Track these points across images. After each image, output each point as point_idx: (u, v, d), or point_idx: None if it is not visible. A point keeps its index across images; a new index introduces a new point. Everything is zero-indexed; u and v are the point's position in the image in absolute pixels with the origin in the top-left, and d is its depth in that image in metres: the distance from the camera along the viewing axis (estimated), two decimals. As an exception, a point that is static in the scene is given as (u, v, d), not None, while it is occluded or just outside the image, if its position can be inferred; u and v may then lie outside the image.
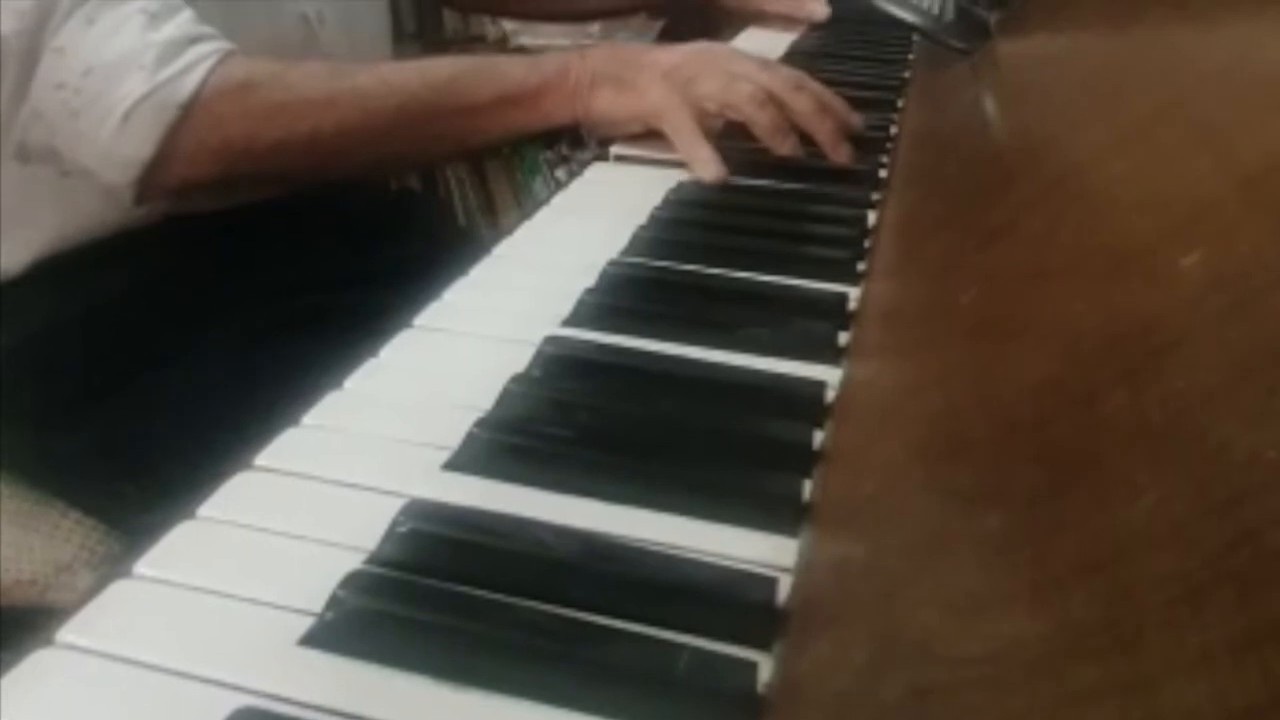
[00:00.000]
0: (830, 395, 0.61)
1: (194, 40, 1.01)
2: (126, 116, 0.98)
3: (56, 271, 1.05)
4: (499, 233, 0.87)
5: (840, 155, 1.02)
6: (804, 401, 0.61)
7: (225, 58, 1.01)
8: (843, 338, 0.67)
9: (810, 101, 1.04)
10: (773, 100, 1.03)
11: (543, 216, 0.91)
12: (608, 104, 1.06)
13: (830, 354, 0.65)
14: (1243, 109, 0.43)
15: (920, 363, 0.54)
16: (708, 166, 1.00)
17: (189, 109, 0.99)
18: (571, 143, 2.82)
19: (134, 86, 0.98)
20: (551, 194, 0.97)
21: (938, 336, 0.53)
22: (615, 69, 1.07)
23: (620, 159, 1.05)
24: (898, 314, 0.64)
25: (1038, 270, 0.48)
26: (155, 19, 1.00)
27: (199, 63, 0.99)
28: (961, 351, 0.49)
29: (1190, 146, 0.44)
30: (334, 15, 1.26)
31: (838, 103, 1.06)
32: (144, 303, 1.05)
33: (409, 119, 1.06)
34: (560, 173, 2.86)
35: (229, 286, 1.08)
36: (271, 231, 1.09)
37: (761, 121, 1.02)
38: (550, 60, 1.10)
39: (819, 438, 0.58)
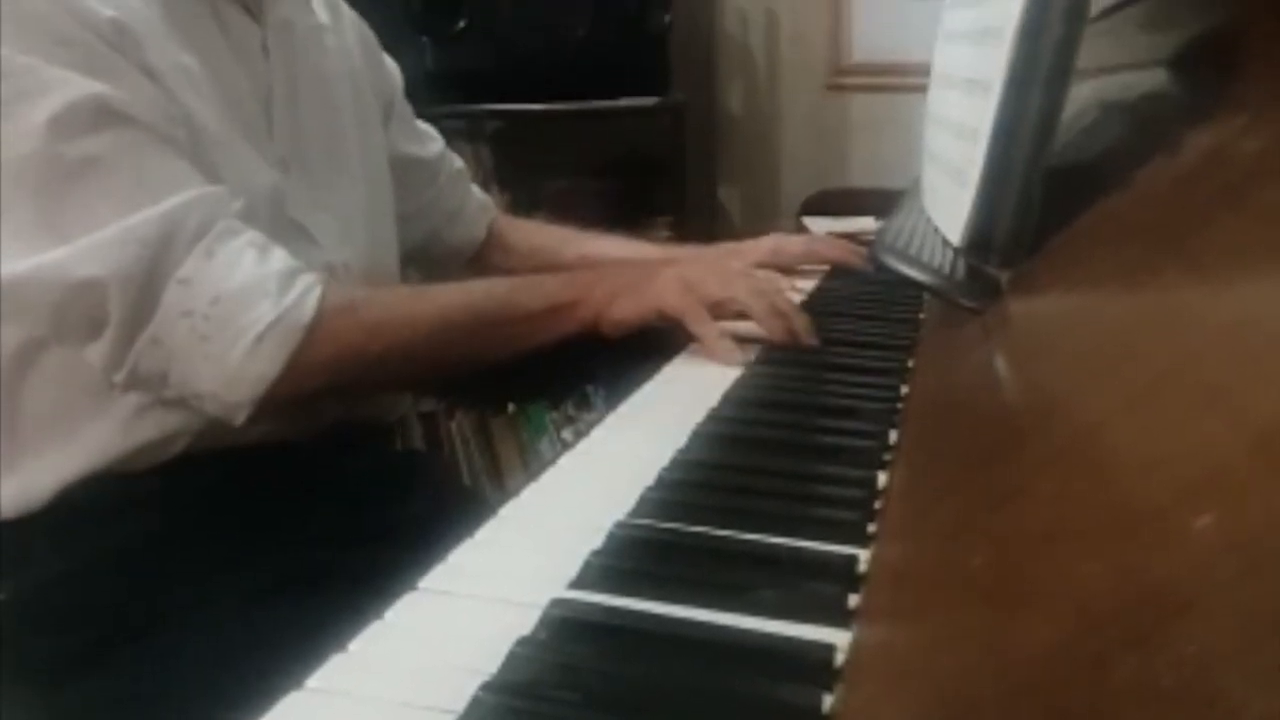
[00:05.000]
0: (840, 659, 0.60)
1: (298, 270, 1.11)
2: (260, 339, 1.06)
3: (64, 520, 1.06)
4: (505, 494, 0.87)
5: (814, 340, 1.23)
6: (813, 665, 0.60)
7: (328, 284, 1.12)
8: (853, 600, 0.66)
9: (788, 301, 1.27)
10: (766, 296, 1.24)
11: (549, 477, 0.91)
12: (624, 309, 1.24)
13: (840, 617, 0.64)
14: (1255, 370, 0.43)
15: (931, 626, 0.53)
16: (728, 355, 1.19)
17: (311, 331, 1.08)
18: (578, 403, 2.84)
19: (264, 312, 1.07)
20: (558, 454, 0.97)
21: (948, 600, 0.53)
22: (633, 281, 1.27)
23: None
24: (908, 576, 0.63)
25: (1049, 533, 0.48)
26: (264, 252, 1.10)
27: (311, 289, 1.10)
28: (972, 615, 0.49)
29: (1202, 408, 0.44)
30: (359, 264, 1.32)
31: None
32: (147, 559, 1.06)
33: (481, 326, 1.24)
34: (566, 433, 2.87)
35: (232, 544, 1.09)
36: (277, 490, 1.10)
37: (759, 310, 1.22)
38: (581, 277, 1.31)
39: (829, 702, 0.57)
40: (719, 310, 1.23)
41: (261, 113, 1.25)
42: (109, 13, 1.07)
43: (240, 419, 1.09)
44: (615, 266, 1.37)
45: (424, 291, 1.27)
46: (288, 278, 1.10)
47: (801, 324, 1.23)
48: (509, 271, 1.80)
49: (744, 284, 1.24)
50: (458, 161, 1.75)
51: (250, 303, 1.07)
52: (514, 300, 1.25)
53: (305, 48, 1.35)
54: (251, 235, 1.10)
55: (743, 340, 1.23)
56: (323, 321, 1.10)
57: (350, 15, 1.53)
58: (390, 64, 1.61)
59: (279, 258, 1.11)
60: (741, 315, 1.24)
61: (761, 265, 1.71)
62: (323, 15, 1.42)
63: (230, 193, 1.12)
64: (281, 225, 1.22)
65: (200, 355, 1.07)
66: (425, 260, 1.79)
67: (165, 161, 1.08)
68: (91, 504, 1.06)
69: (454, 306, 1.23)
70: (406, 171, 1.59)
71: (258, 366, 1.07)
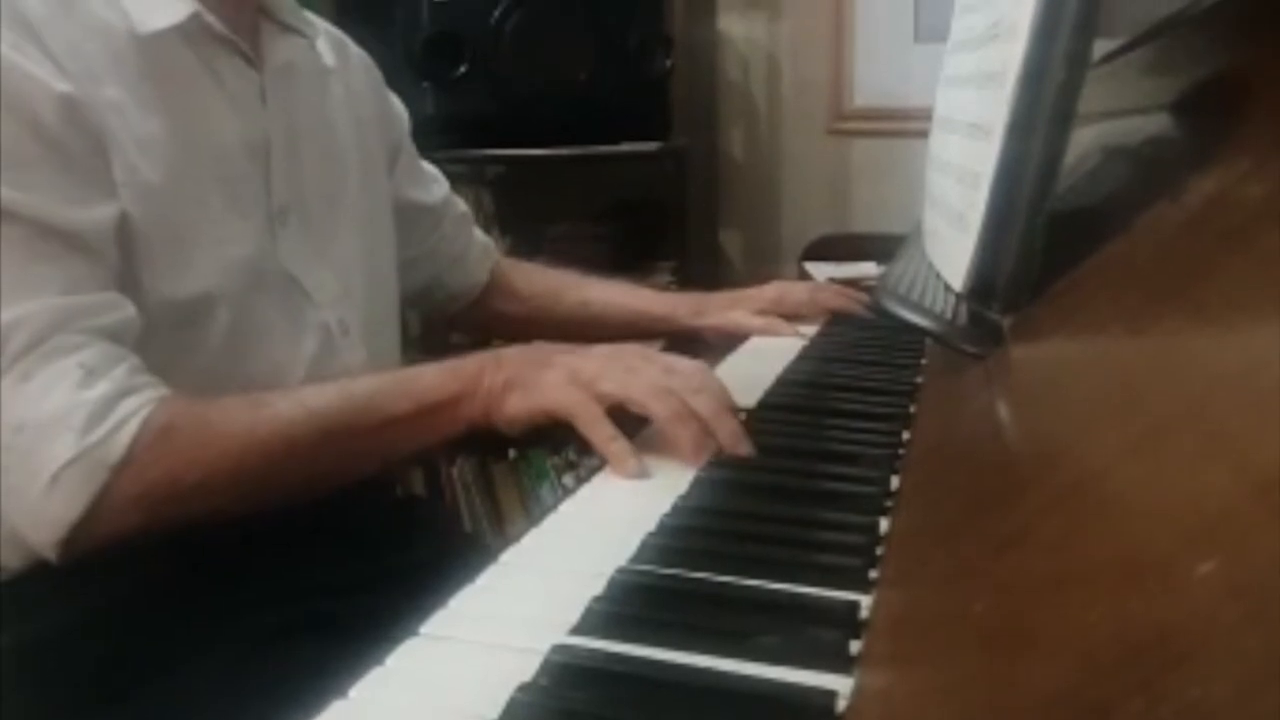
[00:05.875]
0: (842, 705, 0.60)
1: (126, 393, 1.02)
2: (55, 479, 0.98)
3: (66, 570, 1.05)
4: (506, 539, 0.87)
5: (741, 449, 1.04)
6: (815, 711, 0.59)
7: (156, 406, 1.03)
8: (854, 646, 0.66)
9: (710, 403, 1.06)
10: (674, 396, 1.05)
11: (550, 523, 0.91)
12: (517, 406, 1.10)
13: (842, 663, 0.64)
14: (1257, 416, 0.43)
15: (933, 672, 0.53)
16: (622, 461, 1.03)
17: (119, 469, 1.00)
18: (579, 449, 2.84)
19: (63, 449, 0.99)
20: (559, 500, 0.97)
21: (950, 646, 0.53)
22: (524, 371, 1.11)
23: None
24: (910, 622, 0.63)
25: (1051, 579, 0.48)
26: (92, 374, 1.01)
27: (129, 419, 1.01)
28: (974, 661, 0.49)
29: (1204, 454, 0.44)
30: (356, 325, 1.30)
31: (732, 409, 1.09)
32: (145, 609, 1.04)
33: (332, 440, 1.09)
34: (568, 479, 2.87)
35: (232, 591, 1.08)
36: (276, 536, 1.09)
37: (660, 412, 1.05)
38: (465, 366, 1.14)
39: (832, 749, 0.56)
40: (618, 410, 1.07)
41: (256, 165, 1.24)
42: (61, 88, 1.04)
43: (54, 558, 1.01)
44: (512, 349, 1.17)
45: (264, 401, 1.10)
46: (103, 408, 1.00)
47: (728, 430, 1.05)
48: (511, 315, 1.80)
49: (645, 381, 1.06)
50: (461, 205, 1.75)
51: (51, 437, 0.99)
52: (374, 405, 1.12)
53: (308, 93, 1.35)
54: (85, 355, 1.01)
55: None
56: (134, 455, 1.01)
57: (359, 56, 1.52)
58: (398, 106, 1.61)
59: (110, 380, 1.02)
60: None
61: (764, 312, 1.71)
62: (329, 58, 1.41)
63: (113, 300, 1.06)
64: (271, 283, 1.22)
65: (4, 487, 1.00)
66: (427, 305, 1.79)
67: (24, 266, 1.01)
68: (94, 557, 1.05)
69: (296, 419, 1.09)
70: (411, 218, 1.59)
71: (54, 508, 0.99)
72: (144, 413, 1.02)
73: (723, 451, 1.03)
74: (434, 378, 1.14)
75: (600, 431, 1.05)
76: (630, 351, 1.12)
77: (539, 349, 1.16)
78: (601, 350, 1.12)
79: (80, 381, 1.00)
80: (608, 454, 1.04)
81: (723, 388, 1.10)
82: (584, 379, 1.08)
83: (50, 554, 1.01)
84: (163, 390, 1.05)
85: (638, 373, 1.08)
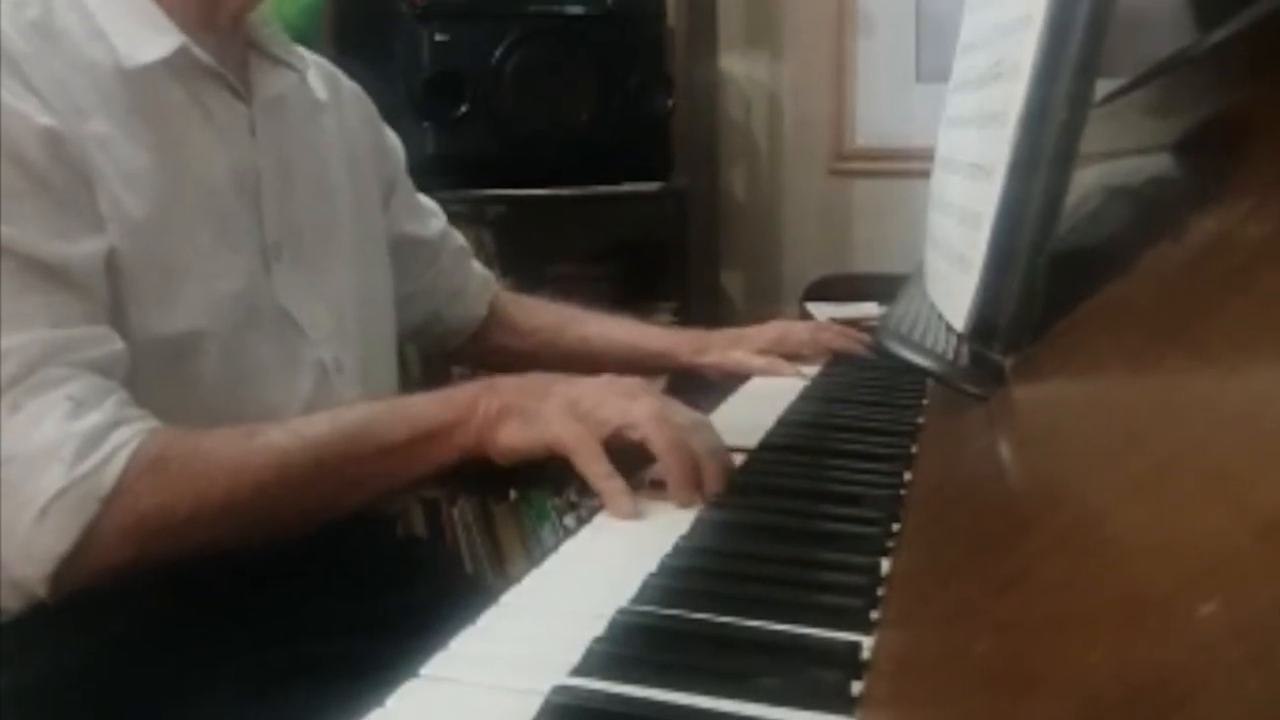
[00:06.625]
0: (844, 747, 0.60)
1: (116, 425, 1.02)
2: (44, 511, 0.98)
3: (65, 611, 1.04)
4: (507, 580, 0.86)
5: (714, 487, 1.03)
6: (818, 754, 0.59)
7: (146, 437, 1.02)
8: (856, 687, 0.66)
9: (706, 440, 1.06)
10: (670, 425, 1.04)
11: (551, 564, 0.91)
12: (513, 436, 1.08)
13: (843, 704, 0.64)
14: (1260, 456, 0.43)
15: (934, 713, 0.53)
16: (616, 500, 1.02)
17: (110, 501, 0.99)
18: (580, 489, 2.84)
19: (52, 481, 0.98)
20: (560, 541, 0.97)
21: (952, 686, 0.52)
22: (521, 400, 1.09)
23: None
24: (911, 663, 0.63)
25: (1053, 619, 0.48)
26: (81, 406, 1.01)
27: (119, 450, 1.00)
28: (976, 702, 0.48)
29: (1207, 494, 0.44)
30: (352, 362, 1.29)
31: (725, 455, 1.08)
32: (142, 652, 1.04)
33: (326, 469, 1.08)
34: (569, 520, 2.86)
35: (231, 633, 1.07)
36: (274, 577, 1.08)
37: (657, 438, 1.03)
38: (460, 393, 1.13)
39: (834, 791, 0.56)
40: (616, 439, 1.06)
41: (246, 199, 1.24)
42: (44, 121, 1.04)
43: (43, 594, 1.01)
44: (507, 378, 1.16)
45: (257, 430, 1.10)
46: (93, 439, 1.00)
47: (713, 469, 1.04)
48: (511, 349, 1.79)
49: (644, 409, 1.05)
50: (459, 239, 1.75)
51: (41, 468, 0.98)
52: (369, 432, 1.11)
53: (299, 126, 1.35)
54: (73, 388, 1.01)
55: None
56: (125, 486, 1.00)
57: (351, 89, 1.52)
58: (393, 139, 1.61)
59: (100, 411, 1.02)
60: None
61: (766, 351, 1.71)
62: (321, 91, 1.41)
63: (101, 334, 1.06)
64: (264, 319, 1.22)
65: None
66: (427, 340, 1.79)
67: (12, 299, 1.01)
68: (90, 596, 1.04)
69: (289, 449, 1.07)
70: (408, 252, 1.58)
71: (44, 541, 0.98)
72: (134, 444, 1.01)
73: (706, 498, 1.02)
74: (427, 405, 1.13)
75: (597, 468, 1.04)
76: (629, 381, 1.12)
77: (536, 378, 1.16)
78: (599, 380, 1.12)
79: (69, 413, 1.00)
80: (602, 491, 1.03)
81: (718, 435, 1.10)
82: (582, 409, 1.07)
83: (40, 589, 1.00)
84: (153, 422, 1.05)
85: (636, 400, 1.07)
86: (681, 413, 1.08)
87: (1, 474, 0.99)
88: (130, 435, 1.02)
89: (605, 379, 1.12)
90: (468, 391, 1.13)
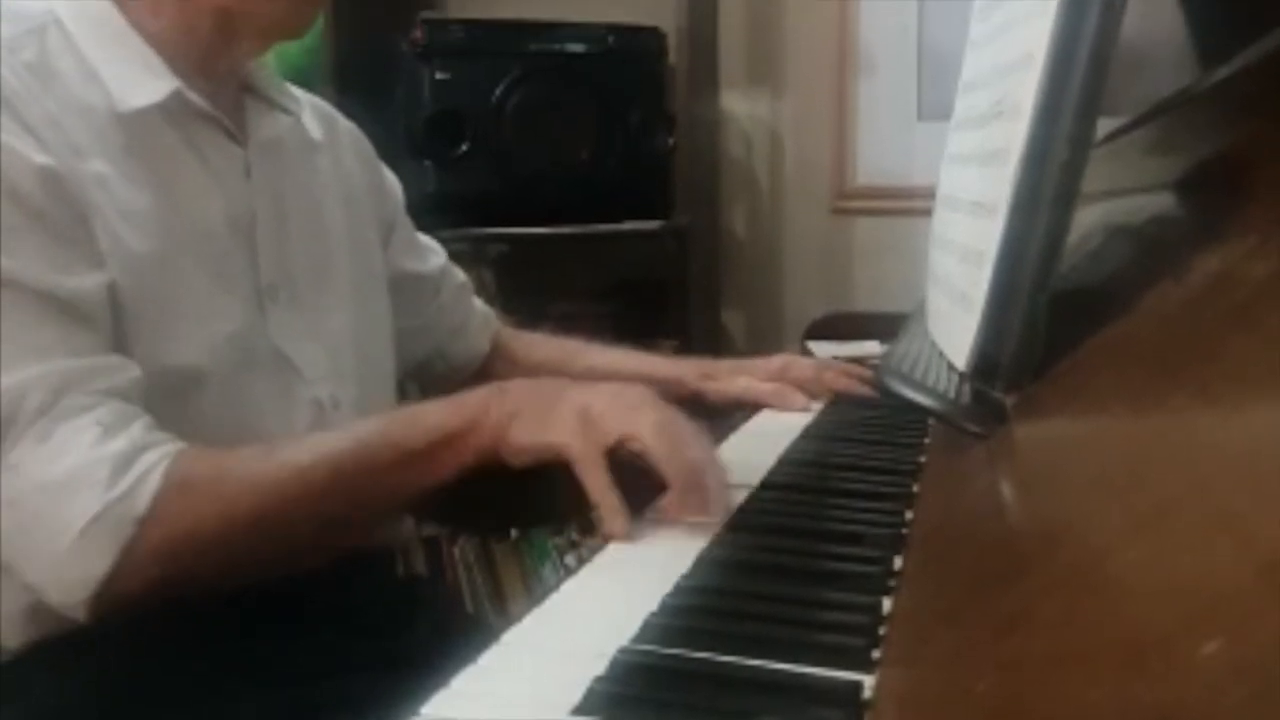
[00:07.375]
0: (846, 787, 0.59)
1: (145, 448, 1.03)
2: (82, 534, 0.98)
3: (59, 649, 1.04)
4: (508, 619, 0.86)
5: (718, 508, 1.04)
6: (820, 794, 0.59)
7: (174, 459, 1.03)
8: (858, 727, 0.65)
9: (706, 452, 1.07)
10: (671, 435, 1.05)
11: (552, 603, 0.91)
12: (524, 436, 1.09)
13: (845, 744, 0.64)
14: (1262, 495, 0.43)
15: (938, 754, 0.53)
16: (612, 514, 1.02)
17: (143, 522, 1.00)
18: (581, 529, 2.83)
19: (87, 505, 0.99)
20: (561, 580, 0.96)
21: (954, 726, 0.52)
22: (533, 403, 1.11)
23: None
24: (913, 702, 0.63)
25: (1054, 658, 0.48)
26: (109, 431, 1.02)
27: (151, 471, 1.01)
28: (979, 742, 0.48)
29: (1209, 533, 0.44)
30: (349, 399, 1.29)
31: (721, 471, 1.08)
32: (143, 692, 1.04)
33: (347, 480, 1.09)
34: (570, 559, 2.86)
35: (229, 674, 1.07)
36: (275, 617, 1.08)
37: (658, 448, 1.04)
38: (472, 397, 1.14)
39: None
40: (618, 448, 1.06)
41: (241, 241, 1.24)
42: (41, 160, 1.05)
43: (83, 617, 1.01)
44: (518, 381, 1.19)
45: (276, 447, 1.12)
46: (124, 462, 1.01)
47: (715, 481, 1.06)
48: None
49: (649, 419, 1.06)
50: (460, 275, 1.74)
51: (74, 492, 0.99)
52: (388, 441, 1.12)
53: (294, 168, 1.35)
54: (100, 414, 1.02)
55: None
56: (157, 508, 1.01)
57: (347, 129, 1.53)
58: (390, 178, 1.61)
59: (128, 435, 1.03)
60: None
61: (770, 380, 1.71)
62: (316, 132, 1.41)
63: (118, 362, 1.07)
64: (260, 360, 1.22)
65: (29, 548, 1.02)
66: (430, 377, 1.79)
67: (30, 331, 1.03)
68: (86, 633, 1.04)
69: (310, 463, 1.09)
70: (408, 289, 1.58)
71: (83, 564, 0.99)
72: (164, 465, 1.02)
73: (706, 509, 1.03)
74: (441, 411, 1.13)
75: (597, 480, 1.04)
76: (636, 391, 1.12)
77: (547, 382, 1.18)
78: (609, 387, 1.12)
79: (98, 438, 1.01)
80: (600, 504, 1.04)
81: (715, 450, 1.11)
82: (591, 415, 1.07)
83: (79, 613, 1.01)
84: (179, 444, 1.05)
85: (641, 411, 1.07)
86: (682, 424, 1.09)
87: (35, 502, 0.99)
88: (159, 457, 1.03)
89: (615, 387, 1.12)
90: (479, 395, 1.14)
